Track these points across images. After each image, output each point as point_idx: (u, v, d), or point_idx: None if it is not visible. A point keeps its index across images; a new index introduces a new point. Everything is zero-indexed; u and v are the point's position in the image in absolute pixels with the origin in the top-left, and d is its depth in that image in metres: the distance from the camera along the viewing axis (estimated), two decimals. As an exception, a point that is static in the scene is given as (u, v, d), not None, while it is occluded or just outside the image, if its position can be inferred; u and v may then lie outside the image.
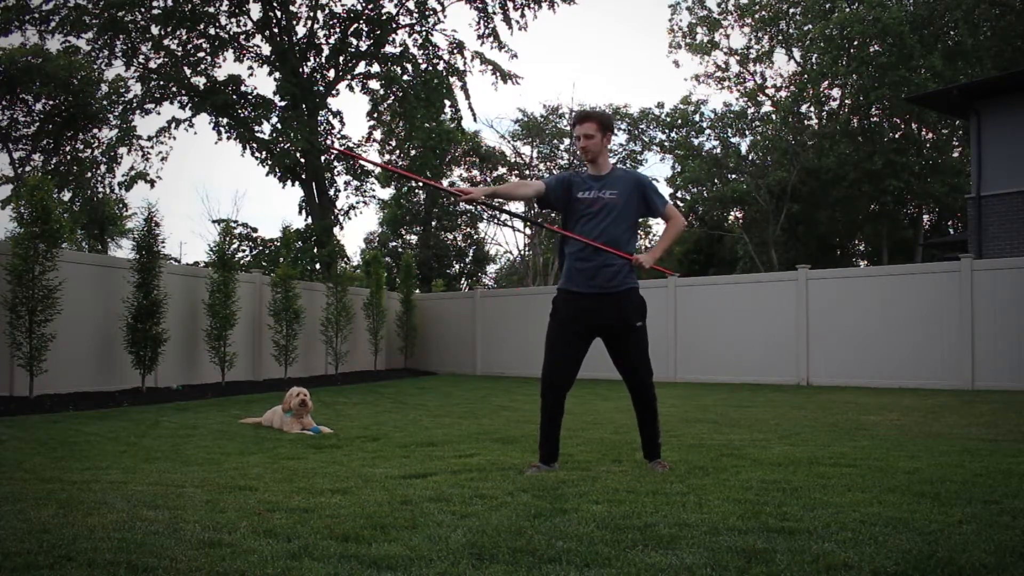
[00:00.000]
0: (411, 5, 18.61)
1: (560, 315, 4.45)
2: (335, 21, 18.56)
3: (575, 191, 4.41)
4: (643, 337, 4.44)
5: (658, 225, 38.79)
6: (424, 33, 18.79)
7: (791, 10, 30.08)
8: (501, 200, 5.05)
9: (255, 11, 21.71)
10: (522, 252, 35.52)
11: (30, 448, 5.79)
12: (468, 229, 33.89)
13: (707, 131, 31.14)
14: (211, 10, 17.55)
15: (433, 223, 32.51)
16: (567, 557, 2.59)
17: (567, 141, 33.62)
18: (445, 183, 30.87)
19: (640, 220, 4.63)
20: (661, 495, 3.61)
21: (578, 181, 4.44)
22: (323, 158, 18.31)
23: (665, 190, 35.86)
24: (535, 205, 4.70)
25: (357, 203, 21.37)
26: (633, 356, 4.40)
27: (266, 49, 18.23)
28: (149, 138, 19.64)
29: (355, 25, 18.42)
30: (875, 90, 25.14)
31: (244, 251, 19.44)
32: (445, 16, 28.48)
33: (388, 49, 18.73)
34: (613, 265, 4.32)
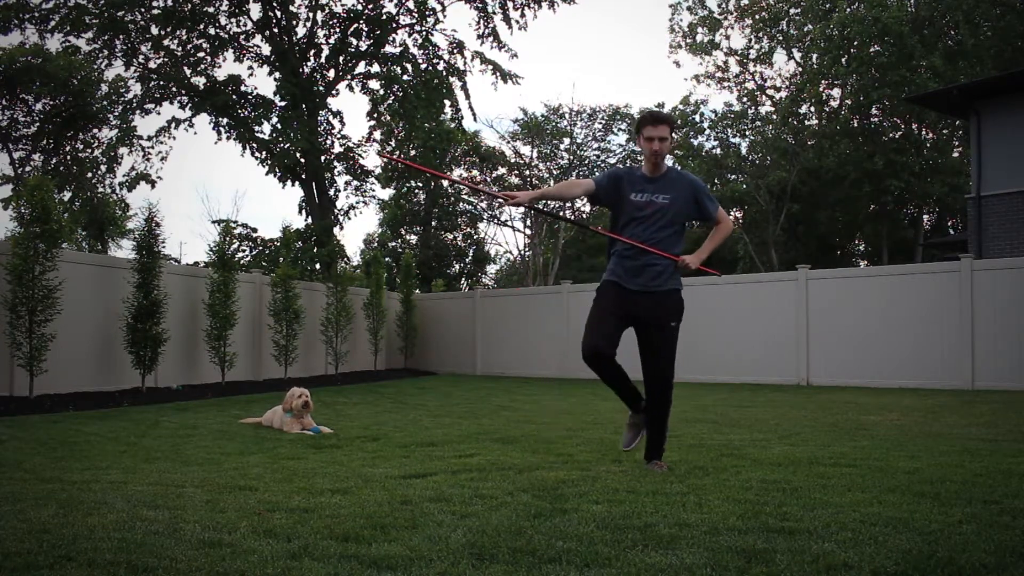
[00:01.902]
0: (411, 5, 18.61)
1: (602, 299, 4.49)
2: (335, 21, 18.56)
3: (627, 191, 4.40)
4: (674, 337, 4.48)
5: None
6: (424, 33, 18.79)
7: (791, 10, 30.09)
8: (548, 202, 5.10)
9: (255, 11, 21.76)
10: (522, 252, 35.52)
11: (30, 448, 5.79)
12: (468, 229, 33.90)
13: (707, 131, 31.14)
14: (211, 10, 17.54)
15: (433, 223, 32.51)
16: (567, 557, 2.59)
17: (567, 141, 33.61)
18: (445, 183, 30.87)
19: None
20: (661, 495, 3.61)
21: (631, 180, 4.42)
22: (323, 158, 18.30)
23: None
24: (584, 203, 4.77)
25: (357, 203, 21.34)
26: (662, 354, 4.42)
27: (266, 49, 18.24)
28: (149, 138, 19.67)
29: (355, 25, 18.41)
30: (875, 90, 25.14)
31: (244, 251, 19.44)
32: (445, 16, 28.49)
33: (388, 49, 18.72)
34: (658, 265, 4.36)
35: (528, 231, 34.05)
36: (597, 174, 5.20)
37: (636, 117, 32.51)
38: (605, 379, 4.47)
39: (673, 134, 4.48)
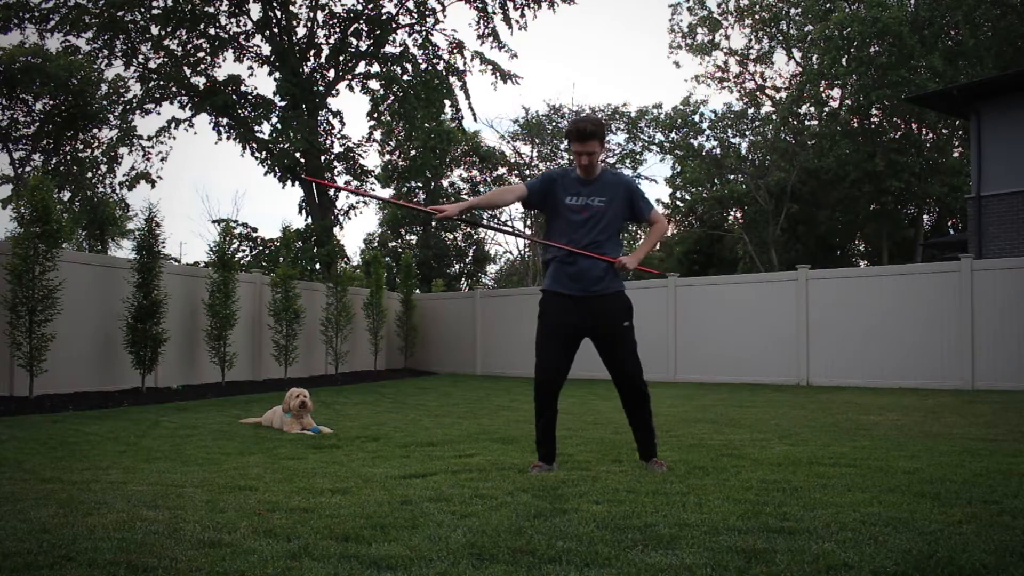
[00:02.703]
0: (411, 5, 18.62)
1: (548, 317, 4.44)
2: (335, 21, 18.56)
3: (561, 194, 4.37)
4: (631, 337, 4.43)
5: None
6: (424, 33, 18.79)
7: (791, 11, 30.09)
8: (482, 211, 5.04)
9: (255, 11, 21.76)
10: (522, 252, 35.53)
11: (30, 448, 5.79)
12: (468, 229, 33.88)
13: (707, 131, 31.14)
14: (211, 10, 17.55)
15: (433, 223, 32.50)
16: (567, 557, 2.59)
17: (567, 141, 33.59)
18: (446, 183, 30.90)
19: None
20: (661, 495, 3.61)
21: (565, 183, 4.39)
22: (323, 158, 18.29)
23: (664, 191, 35.85)
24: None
25: (357, 203, 21.35)
26: (621, 355, 4.39)
27: (266, 49, 18.24)
28: (149, 138, 19.67)
29: (355, 25, 18.41)
30: (875, 90, 25.14)
31: (244, 251, 19.44)
32: (445, 16, 28.52)
33: (388, 49, 18.73)
34: (598, 269, 4.32)
35: (528, 231, 34.03)
36: (530, 179, 5.22)
37: (633, 116, 32.65)
38: (545, 416, 4.41)
39: (603, 144, 4.44)
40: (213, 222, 28.69)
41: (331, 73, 18.93)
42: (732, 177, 30.91)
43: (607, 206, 4.34)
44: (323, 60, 18.72)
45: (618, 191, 4.40)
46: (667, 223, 4.56)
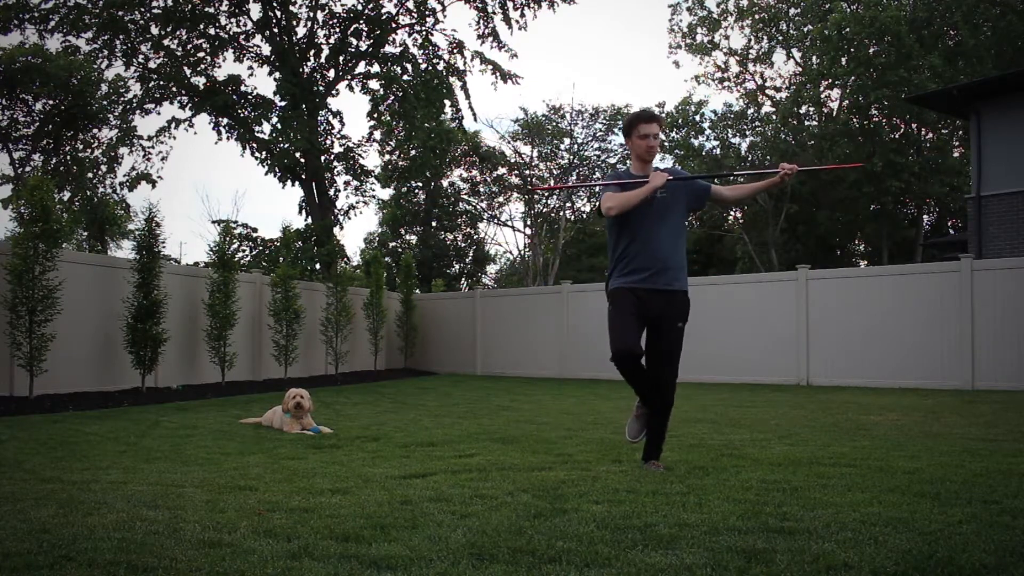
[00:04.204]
0: (411, 5, 18.60)
1: (623, 302, 4.43)
2: (335, 21, 18.55)
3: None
4: (681, 338, 4.51)
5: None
6: (424, 33, 18.79)
7: (790, 11, 30.08)
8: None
9: (255, 11, 21.75)
10: (522, 252, 35.53)
11: (30, 448, 5.79)
12: (468, 229, 33.92)
13: (707, 131, 31.14)
14: (211, 10, 17.54)
15: (433, 223, 32.53)
16: (567, 557, 2.59)
17: (567, 141, 33.60)
18: (446, 183, 30.91)
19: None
20: (661, 495, 3.61)
21: (633, 183, 4.41)
22: (323, 158, 18.29)
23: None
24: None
25: (357, 203, 21.32)
26: (670, 355, 4.46)
27: (266, 49, 18.23)
28: (149, 138, 19.67)
29: (355, 25, 18.41)
30: (875, 91, 25.14)
31: (244, 251, 19.44)
32: (445, 16, 28.48)
33: (388, 49, 18.71)
34: (673, 265, 4.42)
35: (528, 231, 34.04)
36: (610, 189, 5.16)
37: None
38: (632, 378, 4.43)
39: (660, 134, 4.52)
40: (213, 222, 28.72)
41: (331, 73, 18.93)
42: (732, 177, 30.88)
43: (671, 195, 4.41)
44: (323, 60, 18.72)
45: (674, 179, 4.44)
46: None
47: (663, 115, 31.60)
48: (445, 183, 32.31)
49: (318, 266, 17.48)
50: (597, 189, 4.70)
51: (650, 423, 4.49)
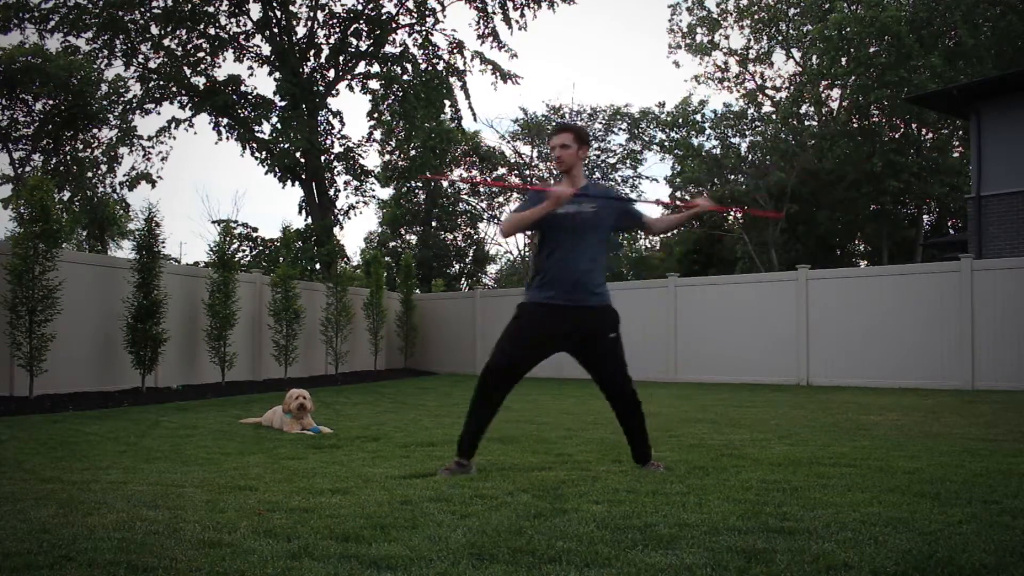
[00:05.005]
0: (411, 5, 18.61)
1: (524, 321, 4.34)
2: (335, 21, 18.55)
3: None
4: (619, 347, 4.40)
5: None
6: (424, 33, 18.79)
7: (790, 11, 30.07)
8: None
9: (255, 11, 21.73)
10: (522, 252, 35.52)
11: (30, 448, 5.79)
12: (468, 229, 33.91)
13: (707, 131, 31.12)
14: (211, 10, 17.54)
15: (433, 223, 32.53)
16: (567, 557, 2.59)
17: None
18: (445, 183, 30.90)
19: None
20: (661, 495, 3.60)
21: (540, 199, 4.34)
22: (323, 158, 18.30)
23: (664, 190, 35.89)
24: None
25: (357, 203, 21.31)
26: (611, 366, 4.37)
27: (266, 49, 18.23)
28: (149, 138, 19.67)
29: (355, 25, 18.41)
30: (874, 91, 25.13)
31: (244, 251, 19.44)
32: (445, 16, 28.46)
33: (388, 49, 18.72)
34: (589, 283, 4.28)
35: (527, 231, 34.01)
36: (523, 202, 5.23)
37: (635, 116, 32.68)
38: (484, 397, 4.29)
39: (585, 145, 4.40)
40: (213, 222, 28.70)
41: (331, 73, 18.93)
42: (732, 177, 30.87)
43: (596, 212, 4.30)
44: (323, 60, 18.72)
45: (605, 198, 4.36)
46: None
47: (663, 115, 31.63)
48: (445, 183, 32.30)
49: (318, 266, 17.48)
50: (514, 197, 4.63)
51: (630, 425, 4.46)
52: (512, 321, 4.39)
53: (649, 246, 39.05)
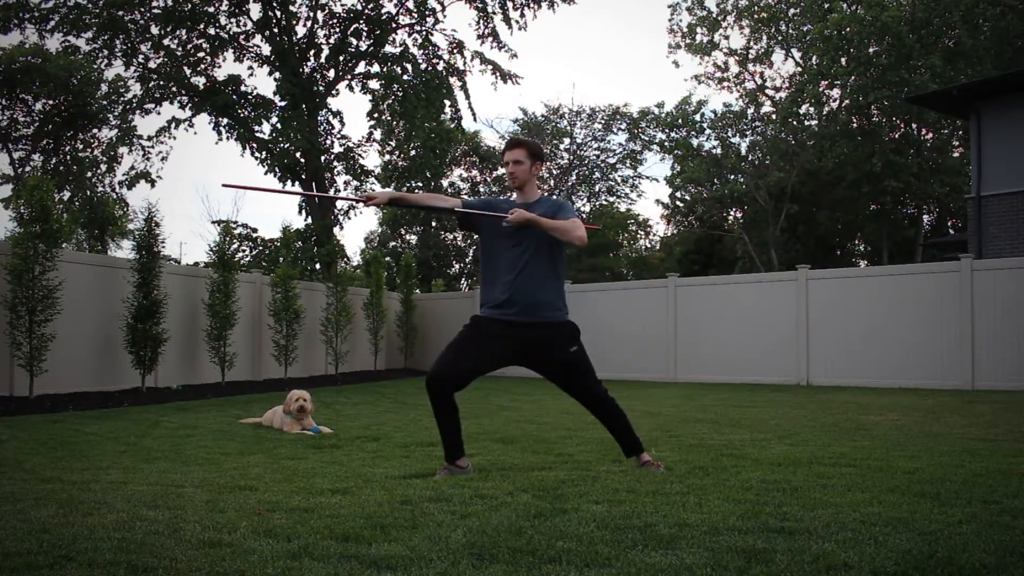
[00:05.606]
0: (411, 5, 18.62)
1: (472, 332, 4.31)
2: (335, 21, 18.55)
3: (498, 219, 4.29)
4: (583, 357, 4.34)
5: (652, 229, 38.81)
6: (424, 33, 18.80)
7: (790, 11, 30.07)
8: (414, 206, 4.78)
9: (255, 11, 21.75)
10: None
11: (30, 448, 5.79)
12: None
13: (707, 131, 31.13)
14: (211, 10, 17.54)
15: (433, 223, 32.51)
16: (567, 557, 2.59)
17: (567, 141, 33.60)
18: (445, 183, 30.88)
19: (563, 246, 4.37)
20: (661, 495, 3.60)
21: (503, 208, 4.31)
22: (323, 158, 18.30)
23: (664, 190, 35.88)
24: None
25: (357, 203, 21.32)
26: (582, 378, 4.35)
27: (266, 49, 18.24)
28: (149, 138, 19.66)
29: (355, 25, 18.41)
30: (874, 90, 25.13)
31: (244, 251, 19.45)
32: (445, 16, 28.52)
33: (388, 49, 18.72)
34: (544, 296, 4.23)
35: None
36: (470, 198, 5.16)
37: (634, 116, 32.66)
38: (438, 407, 4.23)
39: (538, 161, 4.36)
40: (213, 222, 28.72)
41: (331, 73, 18.93)
42: (732, 177, 30.89)
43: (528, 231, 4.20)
44: (323, 60, 18.72)
45: (550, 213, 4.25)
46: (582, 235, 4.28)
47: (662, 115, 31.62)
48: (445, 183, 32.29)
49: (318, 266, 17.48)
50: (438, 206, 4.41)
51: (610, 423, 4.45)
52: (461, 330, 4.39)
53: (649, 246, 39.05)
